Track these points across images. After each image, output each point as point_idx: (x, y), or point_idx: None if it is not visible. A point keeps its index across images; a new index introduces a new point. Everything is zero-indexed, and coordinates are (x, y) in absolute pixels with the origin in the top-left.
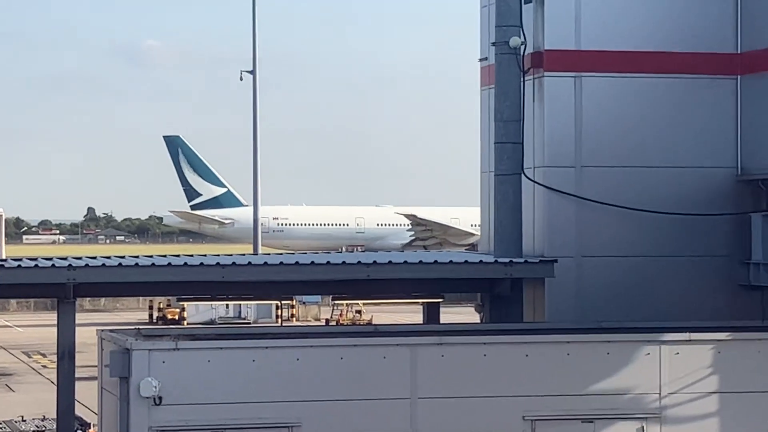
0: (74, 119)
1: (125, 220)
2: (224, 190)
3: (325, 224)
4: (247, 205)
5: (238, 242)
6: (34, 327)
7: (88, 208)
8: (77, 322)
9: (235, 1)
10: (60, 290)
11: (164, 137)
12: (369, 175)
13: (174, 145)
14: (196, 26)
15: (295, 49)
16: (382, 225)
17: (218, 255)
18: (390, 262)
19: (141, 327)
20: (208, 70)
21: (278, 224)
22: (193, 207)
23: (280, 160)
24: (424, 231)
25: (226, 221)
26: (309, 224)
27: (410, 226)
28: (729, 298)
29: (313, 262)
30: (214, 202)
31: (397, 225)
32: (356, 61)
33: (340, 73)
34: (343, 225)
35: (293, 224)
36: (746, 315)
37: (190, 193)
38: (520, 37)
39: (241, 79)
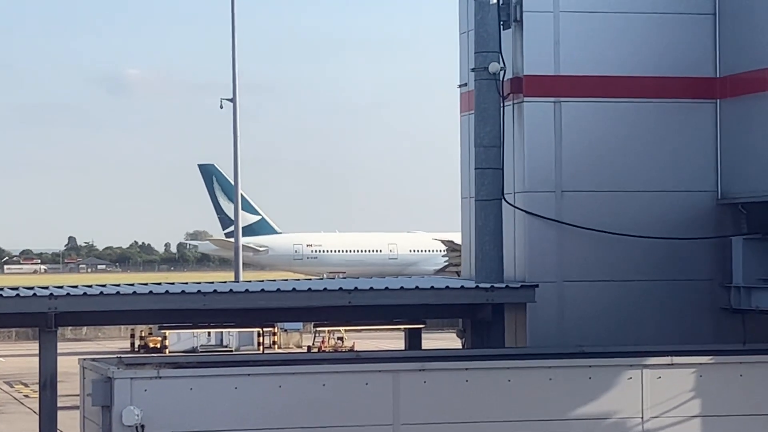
0: (55, 148)
1: (106, 248)
2: (258, 217)
3: (358, 251)
4: (281, 233)
5: (272, 269)
6: (15, 356)
7: (69, 237)
8: (59, 351)
9: (220, 30)
10: (41, 319)
11: (199, 165)
12: (375, 201)
13: (209, 173)
14: (180, 54)
15: (281, 77)
16: (414, 251)
17: (200, 282)
18: (371, 288)
19: (123, 355)
20: (191, 98)
21: (312, 251)
22: (227, 235)
23: (286, 189)
24: (458, 257)
25: (261, 248)
26: (342, 251)
27: (445, 252)
28: (711, 321)
29: (294, 289)
30: (249, 230)
31: (429, 251)
32: (341, 88)
33: (326, 101)
34: (376, 251)
35: (327, 251)
36: (728, 338)
37: (225, 220)
38: (499, 62)
39: (221, 107)
